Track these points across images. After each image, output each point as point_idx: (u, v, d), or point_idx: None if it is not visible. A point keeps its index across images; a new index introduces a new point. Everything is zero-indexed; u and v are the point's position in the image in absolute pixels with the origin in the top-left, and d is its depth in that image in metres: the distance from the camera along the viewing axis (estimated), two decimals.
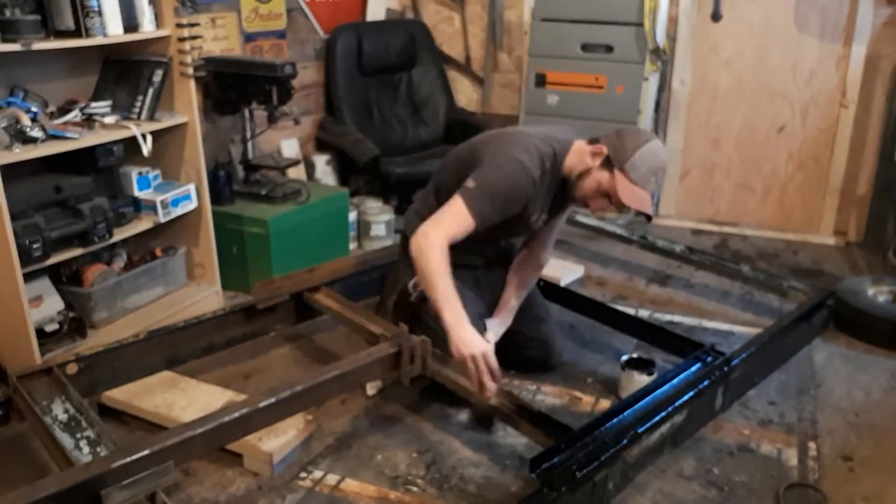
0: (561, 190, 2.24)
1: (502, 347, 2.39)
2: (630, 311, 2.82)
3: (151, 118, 2.60)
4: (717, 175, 4.02)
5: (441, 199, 2.19)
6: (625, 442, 1.87)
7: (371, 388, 2.32)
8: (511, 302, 2.45)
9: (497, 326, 2.41)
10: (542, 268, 2.53)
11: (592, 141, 2.17)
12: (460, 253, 2.14)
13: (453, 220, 2.05)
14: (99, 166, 2.48)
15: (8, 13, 2.17)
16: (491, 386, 1.93)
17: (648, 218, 2.19)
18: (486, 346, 1.95)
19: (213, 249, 2.89)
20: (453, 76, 4.35)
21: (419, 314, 2.37)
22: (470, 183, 2.07)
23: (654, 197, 2.16)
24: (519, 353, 2.46)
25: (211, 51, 3.14)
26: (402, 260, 2.46)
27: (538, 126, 2.40)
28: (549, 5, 3.81)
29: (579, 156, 2.17)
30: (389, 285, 2.62)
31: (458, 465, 2.05)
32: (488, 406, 2.01)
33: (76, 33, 2.32)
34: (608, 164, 2.11)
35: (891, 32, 3.49)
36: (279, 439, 2.01)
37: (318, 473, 2.00)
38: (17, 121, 2.21)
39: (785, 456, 2.10)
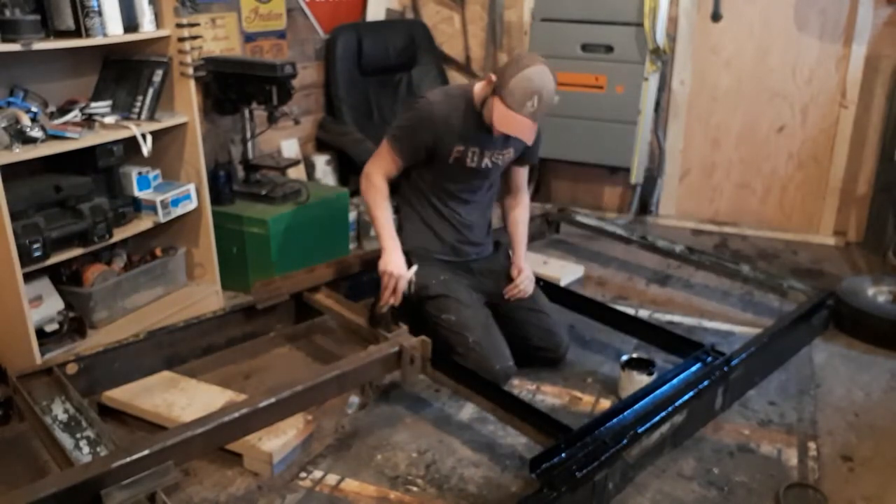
0: (485, 127, 2.37)
1: (511, 344, 2.44)
2: (630, 311, 2.82)
3: (151, 118, 2.60)
4: (717, 175, 4.03)
5: (408, 189, 2.60)
6: (625, 442, 1.87)
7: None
8: (516, 238, 2.66)
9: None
10: (527, 206, 2.71)
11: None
12: (443, 212, 2.54)
13: (381, 157, 2.46)
14: (99, 166, 2.48)
15: (8, 13, 2.17)
16: (388, 300, 2.32)
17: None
18: (403, 270, 2.35)
19: (213, 249, 2.89)
20: (453, 76, 4.34)
21: (435, 319, 2.45)
22: (392, 126, 2.48)
23: (535, 119, 2.25)
24: (525, 345, 2.49)
25: (211, 51, 3.14)
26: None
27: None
28: (549, 5, 3.81)
29: (482, 86, 2.37)
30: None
31: (458, 465, 2.05)
32: (380, 313, 2.35)
33: (76, 33, 2.32)
34: (494, 91, 2.25)
35: (891, 32, 3.49)
36: (279, 439, 2.01)
37: (318, 473, 2.00)
38: (17, 121, 2.21)
39: (785, 456, 2.10)
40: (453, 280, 2.49)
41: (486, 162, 2.47)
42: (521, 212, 2.68)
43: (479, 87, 2.39)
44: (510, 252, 2.65)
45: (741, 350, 2.33)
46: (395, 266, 2.34)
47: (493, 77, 2.28)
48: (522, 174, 2.68)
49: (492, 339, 2.40)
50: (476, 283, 2.55)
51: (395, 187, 2.60)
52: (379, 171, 2.45)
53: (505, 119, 2.23)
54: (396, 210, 2.59)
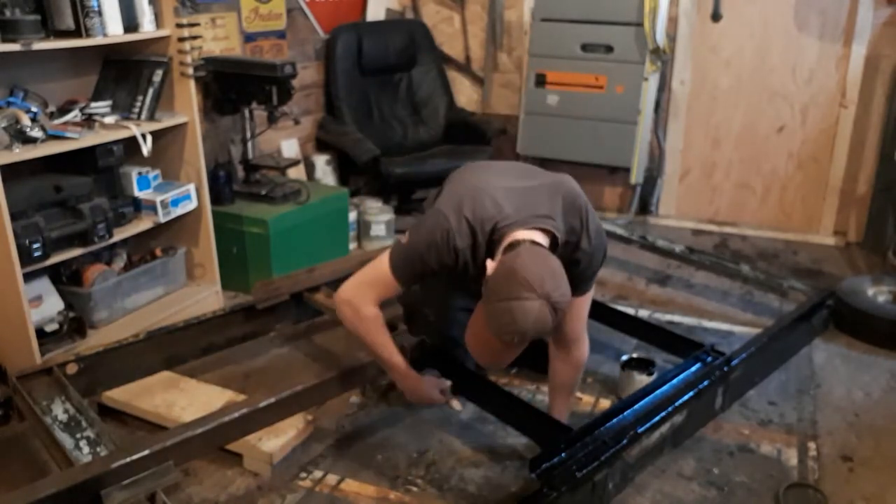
0: None
1: (532, 354, 2.04)
2: (630, 311, 2.81)
3: (151, 118, 2.60)
4: (716, 175, 4.02)
5: None
6: (625, 442, 1.87)
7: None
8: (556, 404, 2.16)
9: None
10: (580, 366, 2.09)
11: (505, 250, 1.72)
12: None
13: (376, 283, 1.90)
14: (99, 166, 2.48)
15: (8, 13, 2.17)
16: (452, 402, 2.13)
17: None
18: (429, 385, 2.07)
19: (213, 249, 2.89)
20: (453, 76, 4.34)
21: (416, 309, 2.38)
22: (403, 238, 1.87)
23: (519, 344, 1.65)
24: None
25: (211, 51, 3.14)
26: None
27: (508, 175, 1.92)
28: (549, 5, 3.81)
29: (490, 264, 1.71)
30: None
31: (458, 465, 2.05)
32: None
33: (76, 33, 2.32)
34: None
35: (891, 32, 3.49)
36: (279, 439, 2.01)
37: (318, 473, 2.00)
38: (17, 121, 2.21)
39: (785, 456, 2.10)
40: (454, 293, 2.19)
41: None
42: (569, 372, 2.08)
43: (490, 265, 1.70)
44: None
45: (741, 350, 2.33)
46: (423, 391, 2.05)
47: (489, 266, 1.68)
48: (577, 311, 1.95)
49: (450, 315, 2.17)
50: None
51: None
52: (370, 300, 1.90)
53: (475, 337, 1.71)
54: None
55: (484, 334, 1.66)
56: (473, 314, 1.74)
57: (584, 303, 1.97)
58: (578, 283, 1.82)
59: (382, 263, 1.88)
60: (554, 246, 1.76)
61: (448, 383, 2.12)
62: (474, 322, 1.73)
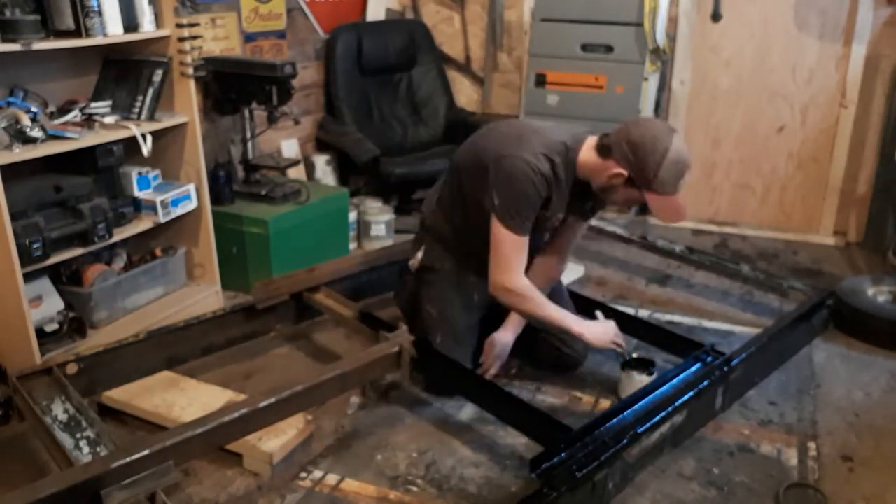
0: (579, 190, 2.17)
1: (535, 350, 2.44)
2: (630, 311, 2.81)
3: (151, 118, 2.60)
4: (716, 175, 4.02)
5: (457, 196, 2.29)
6: (625, 442, 1.87)
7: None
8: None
9: (509, 335, 2.40)
10: (555, 279, 2.43)
11: (603, 149, 2.05)
12: (470, 258, 2.31)
13: (509, 253, 2.11)
14: (99, 166, 2.48)
15: (8, 13, 2.17)
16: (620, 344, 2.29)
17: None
18: (606, 327, 2.28)
19: (213, 249, 2.89)
20: (453, 76, 4.35)
21: (419, 303, 2.41)
22: (496, 199, 2.08)
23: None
24: (554, 352, 2.43)
25: (211, 51, 3.14)
26: (417, 238, 2.50)
27: (535, 121, 2.39)
28: (549, 5, 3.81)
29: (598, 171, 2.07)
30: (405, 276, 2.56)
31: (458, 465, 2.05)
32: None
33: (76, 33, 2.32)
34: (633, 183, 2.03)
35: (891, 32, 3.49)
36: (279, 439, 2.01)
37: (318, 473, 2.00)
38: (17, 121, 2.21)
39: (785, 456, 2.10)
40: (461, 273, 2.36)
41: (558, 219, 2.26)
42: (539, 284, 2.28)
43: (590, 166, 2.09)
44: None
45: (741, 350, 2.33)
46: (603, 334, 2.25)
47: (622, 171, 2.01)
48: (576, 231, 2.37)
49: (459, 347, 2.32)
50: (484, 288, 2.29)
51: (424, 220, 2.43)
52: (516, 273, 2.12)
53: (668, 208, 2.04)
54: (422, 235, 2.42)
55: (672, 207, 2.03)
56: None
57: (583, 227, 2.39)
58: (589, 212, 2.31)
59: (503, 236, 2.09)
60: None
61: (615, 329, 2.31)
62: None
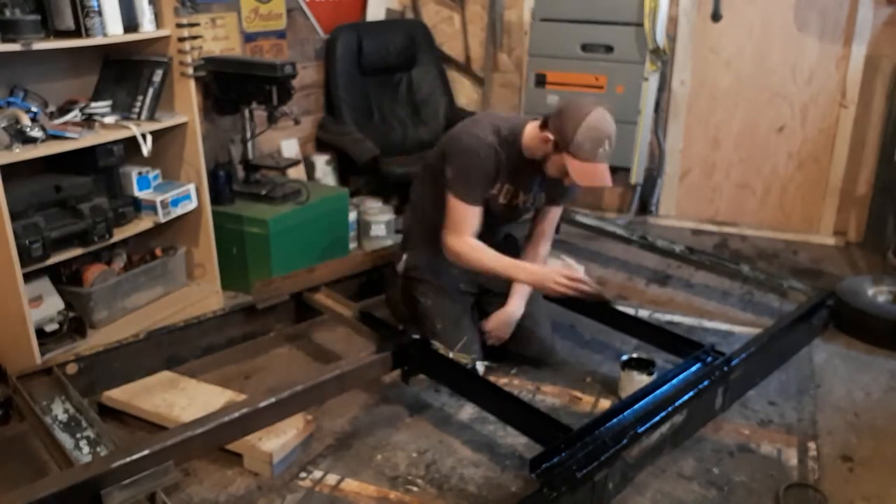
0: (527, 167, 2.33)
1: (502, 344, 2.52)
2: (630, 311, 2.81)
3: (151, 118, 2.60)
4: (716, 175, 4.02)
5: (429, 188, 2.46)
6: (625, 442, 1.87)
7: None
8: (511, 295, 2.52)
9: (516, 305, 2.51)
10: (543, 257, 2.56)
11: (543, 123, 2.25)
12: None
13: (458, 219, 2.30)
14: (99, 166, 2.48)
15: (8, 13, 2.17)
16: (585, 287, 2.24)
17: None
18: (553, 270, 2.30)
19: (213, 249, 2.89)
20: (453, 76, 4.34)
21: (413, 301, 2.51)
22: (449, 173, 2.30)
23: (608, 159, 2.21)
24: (527, 334, 2.53)
25: (211, 51, 3.14)
26: (402, 242, 2.68)
27: (494, 111, 2.61)
28: (549, 5, 3.81)
29: (535, 139, 2.28)
30: (388, 277, 2.75)
31: (458, 465, 2.05)
32: (599, 296, 2.38)
33: (76, 33, 2.32)
34: (557, 148, 2.20)
35: (891, 32, 3.49)
36: (279, 439, 2.01)
37: (318, 473, 2.00)
38: (17, 121, 2.21)
39: (785, 456, 2.10)
40: (442, 266, 2.46)
41: (514, 198, 2.41)
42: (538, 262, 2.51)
43: (530, 138, 2.29)
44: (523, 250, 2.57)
45: (741, 350, 2.33)
46: (546, 276, 2.26)
47: (549, 136, 2.20)
48: (552, 216, 2.54)
49: (459, 329, 2.42)
50: (469, 275, 2.49)
51: (407, 192, 2.62)
52: (464, 236, 2.30)
53: (583, 172, 2.17)
54: (401, 208, 2.58)
55: (587, 171, 2.16)
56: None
57: (558, 212, 2.54)
58: (558, 197, 2.47)
59: (454, 204, 2.28)
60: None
61: (573, 266, 2.39)
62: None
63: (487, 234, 2.40)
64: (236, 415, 1.85)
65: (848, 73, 3.60)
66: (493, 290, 2.55)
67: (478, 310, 2.58)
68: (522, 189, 2.40)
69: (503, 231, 2.58)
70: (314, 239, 3.18)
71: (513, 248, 2.58)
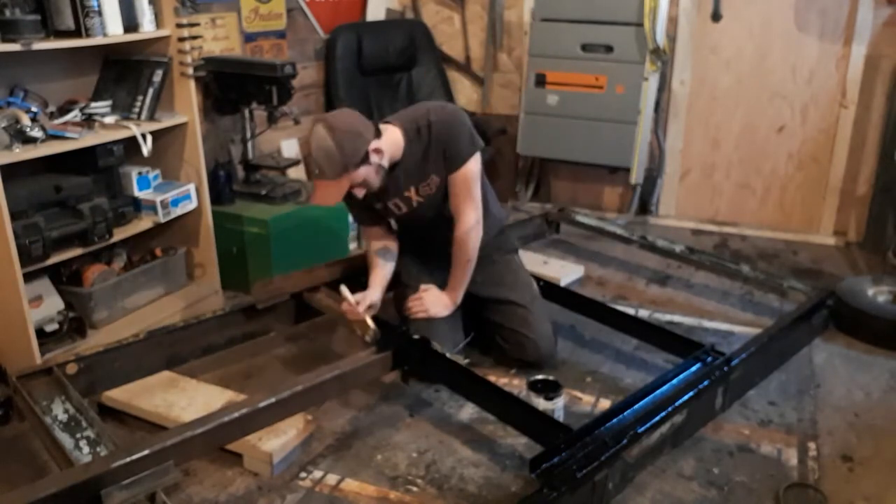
0: (386, 177, 2.33)
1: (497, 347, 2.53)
2: (630, 311, 2.81)
3: (151, 118, 2.61)
4: (716, 175, 4.02)
5: None
6: (625, 442, 1.87)
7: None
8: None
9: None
10: (464, 235, 2.41)
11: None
12: (424, 253, 2.59)
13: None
14: (99, 166, 2.48)
15: (8, 13, 2.17)
16: (356, 313, 2.31)
17: None
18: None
19: (213, 249, 2.89)
20: (453, 76, 4.34)
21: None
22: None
23: (327, 178, 2.21)
24: (502, 350, 2.53)
25: (211, 51, 3.14)
26: None
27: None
28: (549, 5, 3.81)
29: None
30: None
31: (458, 465, 2.05)
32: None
33: (76, 33, 2.32)
34: None
35: (891, 32, 3.49)
36: (279, 439, 2.01)
37: (318, 473, 2.00)
38: (17, 121, 2.21)
39: (785, 456, 2.10)
40: (425, 272, 2.56)
41: (414, 200, 2.41)
42: (457, 245, 2.43)
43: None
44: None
45: (741, 350, 2.33)
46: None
47: None
48: (457, 189, 2.38)
49: (436, 329, 2.40)
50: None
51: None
52: (370, 247, 2.55)
53: (315, 193, 2.31)
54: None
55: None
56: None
57: (461, 181, 2.37)
58: (453, 160, 2.35)
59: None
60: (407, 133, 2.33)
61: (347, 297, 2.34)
62: None
63: (438, 239, 2.46)
64: (236, 415, 1.85)
65: (848, 73, 3.60)
66: (479, 295, 2.55)
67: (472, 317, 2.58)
68: (399, 196, 2.40)
69: (444, 228, 2.45)
70: (314, 239, 3.18)
71: (509, 241, 2.72)
